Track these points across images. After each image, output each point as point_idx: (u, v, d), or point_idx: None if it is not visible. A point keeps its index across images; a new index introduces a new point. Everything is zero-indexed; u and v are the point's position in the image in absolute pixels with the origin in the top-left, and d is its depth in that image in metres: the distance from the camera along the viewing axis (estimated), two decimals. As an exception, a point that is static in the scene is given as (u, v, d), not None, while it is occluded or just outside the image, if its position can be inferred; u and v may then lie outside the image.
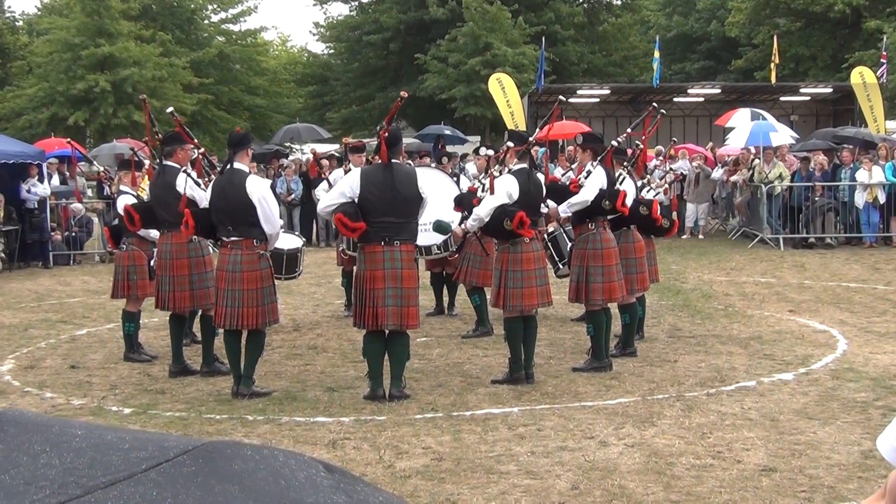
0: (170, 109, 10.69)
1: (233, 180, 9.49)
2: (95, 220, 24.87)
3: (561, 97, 11.43)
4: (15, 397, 9.97)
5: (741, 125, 26.52)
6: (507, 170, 10.04)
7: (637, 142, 11.88)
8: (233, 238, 9.47)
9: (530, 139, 10.38)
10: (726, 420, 8.48)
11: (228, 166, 9.64)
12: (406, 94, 9.78)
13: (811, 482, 6.82)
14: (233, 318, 9.45)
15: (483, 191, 10.04)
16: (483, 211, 9.75)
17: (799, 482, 6.82)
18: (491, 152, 11.84)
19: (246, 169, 9.74)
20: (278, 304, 9.99)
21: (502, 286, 9.87)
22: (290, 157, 29.15)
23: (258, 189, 9.53)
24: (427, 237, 12.17)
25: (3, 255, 21.36)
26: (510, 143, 10.26)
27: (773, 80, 37.36)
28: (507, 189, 9.75)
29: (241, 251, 9.43)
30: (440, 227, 11.53)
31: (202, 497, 2.30)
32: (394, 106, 9.52)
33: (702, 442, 7.84)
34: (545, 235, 12.26)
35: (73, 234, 23.65)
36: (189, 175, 10.28)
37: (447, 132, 33.06)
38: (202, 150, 10.53)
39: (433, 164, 14.43)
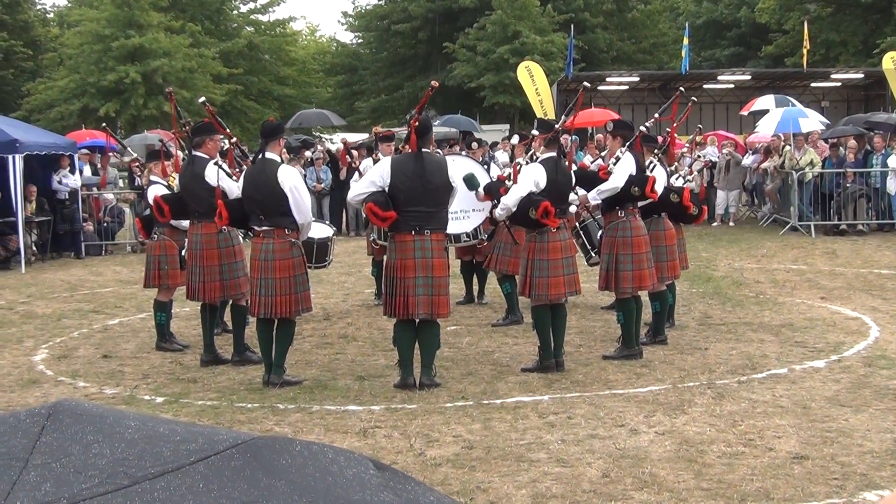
0: (202, 99, 10.72)
1: (264, 170, 9.52)
2: (127, 210, 24.99)
3: (586, 84, 11.36)
4: (48, 386, 10.05)
5: (770, 111, 26.39)
6: (533, 159, 10.03)
7: (667, 129, 11.83)
8: (265, 227, 9.50)
9: (556, 127, 10.36)
10: (758, 408, 8.45)
11: (260, 156, 9.67)
12: (437, 84, 9.77)
13: (843, 470, 6.79)
14: (266, 306, 9.48)
15: (510, 180, 10.04)
16: (510, 200, 9.75)
17: (831, 470, 6.80)
18: (515, 140, 11.84)
19: (278, 158, 9.77)
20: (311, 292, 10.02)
21: (528, 275, 9.87)
22: (319, 147, 29.14)
23: (290, 179, 9.55)
24: (457, 225, 12.17)
25: (35, 245, 21.50)
26: (535, 132, 10.25)
27: (804, 66, 37.12)
28: (533, 178, 9.74)
29: (272, 240, 9.46)
30: (471, 181, 11.53)
31: (248, 490, 2.32)
32: (425, 95, 9.52)
33: (733, 430, 7.81)
34: (576, 224, 12.24)
35: (105, 224, 23.77)
36: (220, 166, 10.31)
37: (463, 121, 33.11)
38: (234, 139, 10.55)
39: (463, 153, 14.41)
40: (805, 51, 37.29)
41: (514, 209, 9.76)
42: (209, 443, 2.46)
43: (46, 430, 2.53)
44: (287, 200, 9.44)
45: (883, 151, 23.05)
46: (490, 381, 9.67)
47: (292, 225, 9.53)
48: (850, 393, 8.90)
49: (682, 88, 12.13)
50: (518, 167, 9.88)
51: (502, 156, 15.06)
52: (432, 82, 9.77)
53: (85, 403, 2.72)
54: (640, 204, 10.56)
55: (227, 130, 10.58)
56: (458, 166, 10.50)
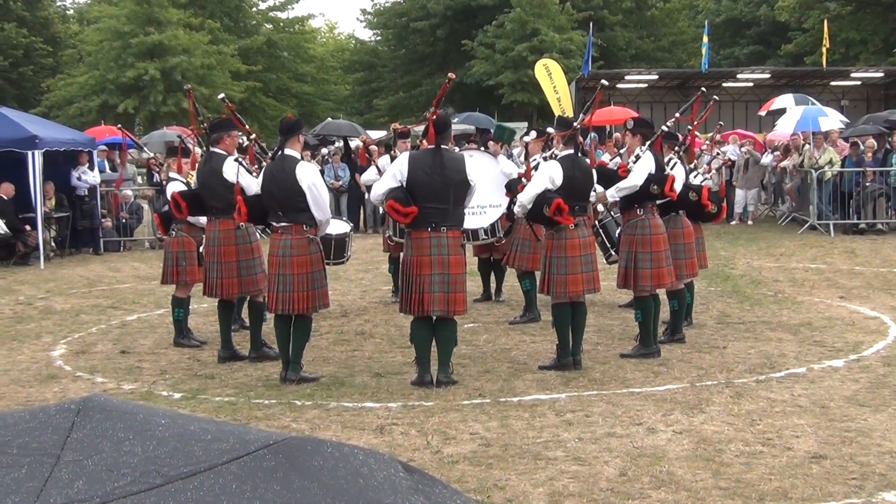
0: (221, 96, 10.74)
1: (283, 166, 9.52)
2: (145, 206, 25.08)
3: (603, 81, 11.33)
4: (66, 382, 10.08)
5: (788, 109, 26.31)
6: (552, 156, 10.01)
7: (688, 127, 11.80)
8: (283, 223, 9.50)
9: (575, 124, 10.33)
10: (776, 407, 8.42)
11: (280, 152, 9.67)
12: (454, 76, 9.75)
13: (862, 470, 6.75)
14: (284, 302, 9.48)
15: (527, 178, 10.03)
16: (525, 197, 9.74)
17: (849, 470, 6.76)
18: (528, 138, 11.82)
19: (297, 155, 9.76)
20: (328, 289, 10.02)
21: (547, 272, 9.86)
22: (336, 144, 29.18)
23: (308, 175, 9.54)
24: (473, 220, 12.15)
25: (54, 241, 21.57)
26: (550, 130, 10.23)
27: (824, 64, 36.98)
28: (549, 175, 9.71)
29: (291, 236, 9.46)
30: (501, 130, 11.44)
31: (281, 492, 2.30)
32: (442, 88, 9.51)
33: (751, 429, 7.78)
34: (595, 222, 12.21)
35: (124, 220, 23.86)
36: (240, 163, 10.31)
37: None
38: (254, 136, 10.54)
39: (480, 149, 14.38)
40: (825, 49, 37.13)
41: (529, 206, 9.74)
42: (241, 442, 2.44)
43: (77, 426, 2.52)
44: (305, 197, 9.43)
45: (902, 150, 22.94)
46: (507, 378, 9.66)
47: (311, 221, 9.53)
48: (869, 392, 8.85)
49: (703, 88, 12.09)
50: (532, 165, 9.85)
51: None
52: (449, 74, 9.76)
53: (114, 399, 2.71)
54: (658, 202, 10.53)
55: (247, 127, 10.58)
56: (475, 163, 10.46)
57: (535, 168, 10.92)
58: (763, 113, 31.36)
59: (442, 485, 2.64)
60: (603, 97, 10.96)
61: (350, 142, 29.14)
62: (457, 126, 27.72)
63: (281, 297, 9.47)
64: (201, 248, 11.27)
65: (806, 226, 23.16)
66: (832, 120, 25.12)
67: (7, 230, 19.40)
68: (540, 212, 9.64)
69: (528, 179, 9.73)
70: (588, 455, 7.18)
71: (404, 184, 9.17)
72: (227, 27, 51.26)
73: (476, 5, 50.32)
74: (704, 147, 14.40)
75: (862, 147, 23.39)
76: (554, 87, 31.22)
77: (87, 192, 22.33)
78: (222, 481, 2.31)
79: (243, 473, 2.34)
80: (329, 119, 38.07)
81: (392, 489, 2.38)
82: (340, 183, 25.79)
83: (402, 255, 10.05)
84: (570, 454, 7.21)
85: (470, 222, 11.36)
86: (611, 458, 7.09)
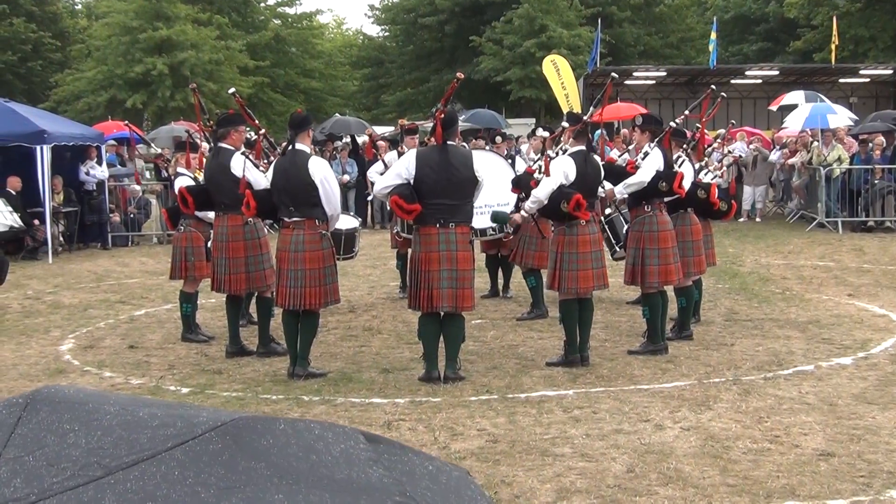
0: (232, 90, 10.70)
1: (295, 161, 9.51)
2: (153, 201, 25.10)
3: (614, 75, 11.30)
4: (75, 376, 10.09)
5: (798, 106, 26.26)
6: (562, 151, 10.00)
7: (697, 125, 11.77)
8: (294, 218, 9.50)
9: (585, 119, 10.32)
10: (784, 404, 8.41)
11: (290, 147, 9.67)
12: (462, 76, 9.74)
13: (870, 467, 6.75)
14: (295, 297, 9.48)
15: (540, 173, 10.00)
16: (542, 193, 9.71)
17: (857, 467, 6.75)
18: (546, 133, 11.78)
19: (308, 150, 9.75)
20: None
21: (558, 268, 9.85)
22: (344, 140, 29.17)
23: (320, 170, 9.54)
24: (483, 219, 12.15)
25: (62, 236, 21.61)
26: (565, 124, 10.21)
27: (833, 61, 36.89)
28: (563, 170, 9.71)
29: (303, 231, 9.46)
30: (497, 217, 11.55)
31: (225, 476, 2.28)
32: (450, 87, 9.50)
33: (759, 426, 7.77)
34: (601, 218, 12.20)
35: (132, 215, 23.89)
36: (247, 157, 10.32)
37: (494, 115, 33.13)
38: (263, 130, 10.53)
39: (487, 147, 14.37)
40: (833, 46, 37.06)
41: (545, 202, 9.73)
42: (188, 426, 2.42)
43: (22, 421, 2.50)
44: (318, 191, 9.43)
45: (912, 148, 22.89)
46: (515, 375, 9.66)
47: (322, 216, 9.53)
48: (877, 390, 8.84)
49: (713, 86, 12.06)
50: (549, 159, 9.82)
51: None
52: (457, 74, 9.75)
53: (66, 389, 2.67)
54: (666, 199, 10.52)
55: (256, 122, 10.57)
56: (483, 161, 10.44)
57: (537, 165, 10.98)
58: (773, 108, 31.28)
59: (412, 451, 2.62)
60: (611, 93, 10.93)
61: (358, 138, 29.13)
62: (462, 124, 27.70)
63: (292, 292, 9.47)
64: (209, 244, 11.29)
65: (814, 223, 23.13)
66: (841, 117, 25.06)
67: (22, 224, 19.41)
68: (556, 207, 9.63)
69: (548, 174, 9.68)
70: (595, 451, 7.18)
71: (412, 181, 9.16)
72: (235, 22, 51.28)
73: (484, 1, 50.27)
74: (714, 145, 14.35)
75: (871, 144, 23.34)
76: (562, 83, 31.17)
77: (95, 187, 22.37)
78: (164, 469, 2.29)
79: (187, 459, 2.32)
80: (337, 115, 38.05)
81: (347, 463, 2.36)
82: (348, 178, 25.79)
83: (409, 251, 10.05)
84: (577, 451, 7.21)
85: (477, 222, 11.35)
86: (618, 455, 7.09)
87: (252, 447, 2.38)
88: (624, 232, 11.80)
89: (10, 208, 19.11)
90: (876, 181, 22.72)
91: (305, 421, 2.47)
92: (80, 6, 63.58)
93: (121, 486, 2.29)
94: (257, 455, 2.36)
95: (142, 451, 2.39)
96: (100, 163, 22.47)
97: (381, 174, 11.58)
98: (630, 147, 12.70)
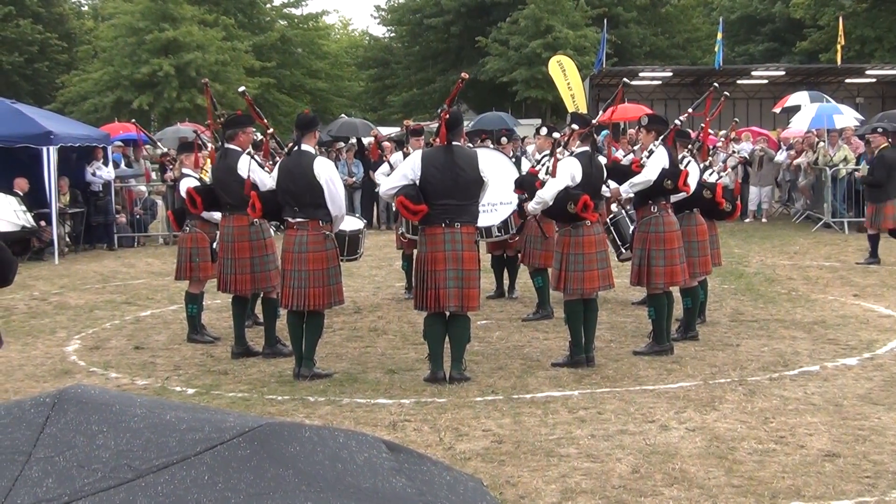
0: (241, 89, 10.68)
1: (301, 162, 9.51)
2: (159, 202, 25.12)
3: (625, 79, 11.33)
4: (80, 377, 10.10)
5: (803, 106, 26.23)
6: (569, 153, 10.00)
7: (701, 124, 11.76)
8: (299, 219, 9.50)
9: (593, 121, 10.32)
10: (789, 405, 8.40)
11: (296, 148, 9.67)
12: (467, 76, 9.73)
13: (875, 468, 6.74)
14: (299, 298, 9.48)
15: (546, 174, 9.99)
16: (548, 194, 9.71)
17: (863, 468, 6.75)
18: (556, 135, 11.77)
19: (313, 151, 9.76)
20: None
21: (563, 269, 9.84)
22: (350, 141, 29.19)
23: (326, 171, 9.55)
24: (484, 218, 12.15)
25: (68, 237, 21.63)
26: (574, 126, 10.20)
27: (839, 61, 36.85)
28: (570, 171, 9.71)
29: (307, 232, 9.46)
30: (523, 183, 11.53)
31: (254, 482, 2.29)
32: (455, 87, 9.50)
33: (764, 427, 7.77)
34: (607, 219, 12.19)
35: (138, 216, 23.91)
36: (253, 158, 10.32)
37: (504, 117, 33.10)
38: (271, 130, 10.52)
39: (492, 146, 14.36)
40: (839, 47, 37.01)
41: (550, 203, 9.73)
42: (216, 431, 2.42)
43: (51, 421, 2.50)
44: (323, 192, 9.44)
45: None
46: (520, 375, 9.66)
47: (326, 217, 9.54)
48: (883, 391, 8.83)
49: (715, 84, 12.05)
50: (557, 161, 9.81)
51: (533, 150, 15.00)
52: (462, 74, 9.75)
53: (92, 390, 2.67)
54: (672, 199, 10.51)
55: (265, 120, 10.55)
56: (486, 159, 10.43)
57: (539, 165, 10.99)
58: (777, 110, 31.26)
59: (430, 461, 2.62)
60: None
61: (363, 139, 29.15)
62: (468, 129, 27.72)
63: (296, 293, 9.47)
64: (215, 244, 11.30)
65: (820, 223, 23.10)
66: (847, 117, 25.05)
67: (34, 224, 19.37)
68: (562, 208, 9.63)
69: (555, 175, 9.68)
70: (600, 452, 7.18)
71: (417, 181, 9.17)
72: (242, 23, 51.31)
73: (490, 2, 50.30)
74: (719, 144, 14.34)
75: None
76: (568, 83, 31.16)
77: (101, 188, 22.40)
78: (194, 473, 2.30)
79: (216, 464, 2.32)
80: (343, 117, 38.06)
81: (372, 472, 2.36)
82: (354, 179, 25.81)
83: (415, 251, 10.05)
84: (582, 451, 7.21)
85: (481, 220, 11.35)
86: (623, 456, 7.09)
87: (280, 454, 2.39)
88: (630, 233, 11.79)
89: (24, 208, 19.10)
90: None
91: (329, 428, 2.48)
92: (86, 7, 63.72)
93: (152, 489, 2.30)
94: (285, 462, 2.37)
95: (171, 455, 2.40)
96: (106, 164, 22.50)
97: (387, 175, 11.58)
98: (636, 147, 12.70)
